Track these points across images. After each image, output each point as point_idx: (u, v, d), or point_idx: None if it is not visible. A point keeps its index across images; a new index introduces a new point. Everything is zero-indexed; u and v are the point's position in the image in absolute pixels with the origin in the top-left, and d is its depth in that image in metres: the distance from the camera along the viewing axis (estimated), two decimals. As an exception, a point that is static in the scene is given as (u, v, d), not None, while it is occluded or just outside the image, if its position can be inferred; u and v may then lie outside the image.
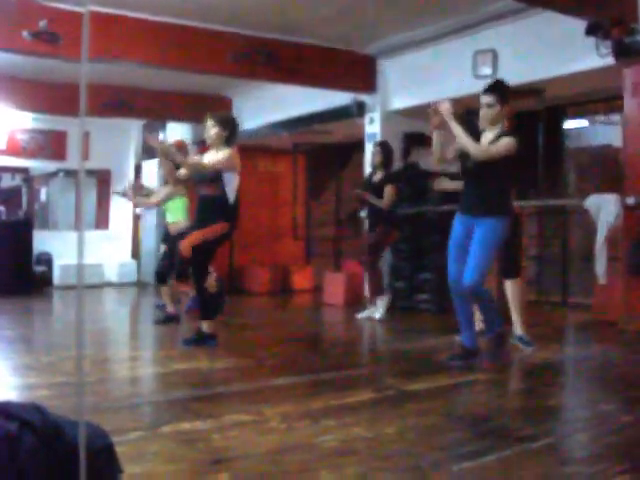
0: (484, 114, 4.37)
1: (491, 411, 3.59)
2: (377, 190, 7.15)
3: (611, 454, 2.83)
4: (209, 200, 5.15)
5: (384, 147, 7.32)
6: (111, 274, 11.78)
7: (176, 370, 4.60)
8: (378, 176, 7.25)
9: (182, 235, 6.14)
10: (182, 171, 5.56)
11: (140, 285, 11.77)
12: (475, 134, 4.43)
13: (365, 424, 3.39)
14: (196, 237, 5.09)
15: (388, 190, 7.08)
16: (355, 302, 8.34)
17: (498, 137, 4.32)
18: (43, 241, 11.03)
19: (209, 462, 2.67)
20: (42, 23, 6.12)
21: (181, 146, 7.24)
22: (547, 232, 8.40)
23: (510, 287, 5.41)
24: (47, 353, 5.20)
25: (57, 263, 11.02)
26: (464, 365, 4.47)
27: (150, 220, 11.72)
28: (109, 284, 11.50)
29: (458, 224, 4.52)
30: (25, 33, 6.15)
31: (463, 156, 4.43)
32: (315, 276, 10.67)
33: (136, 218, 12.49)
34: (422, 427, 3.19)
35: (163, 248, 7.19)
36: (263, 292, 10.26)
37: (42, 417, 1.96)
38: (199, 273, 5.19)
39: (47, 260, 11.04)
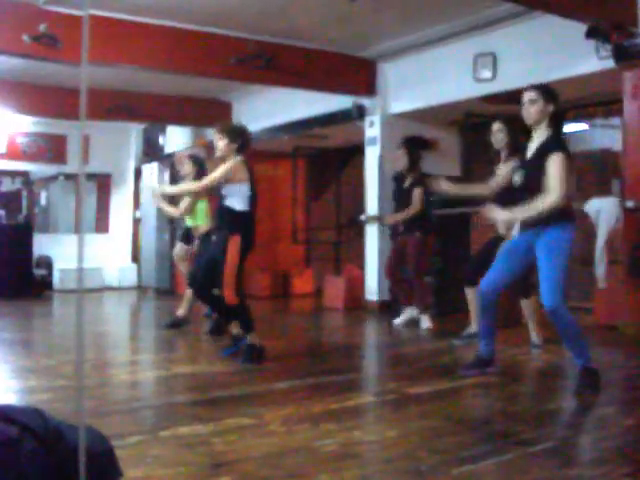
0: (526, 110, 4.06)
1: (492, 415, 3.58)
2: (406, 196, 6.84)
3: (612, 457, 2.83)
4: (217, 211, 5.05)
5: (409, 148, 6.95)
6: (111, 278, 11.78)
7: (176, 374, 4.60)
8: (408, 181, 6.87)
9: (206, 237, 6.16)
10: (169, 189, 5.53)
11: (140, 289, 11.77)
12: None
13: (365, 427, 3.39)
14: (229, 280, 4.77)
15: (418, 193, 6.75)
16: (355, 306, 8.34)
17: (543, 149, 3.99)
18: (43, 245, 11.03)
19: (209, 466, 2.67)
20: (42, 27, 6.12)
21: (206, 144, 7.15)
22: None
23: (527, 305, 5.57)
24: (47, 356, 5.20)
25: (57, 267, 11.02)
26: (478, 374, 4.37)
27: (150, 224, 11.73)
28: (109, 288, 11.49)
29: (518, 239, 4.25)
30: (25, 36, 6.15)
31: (515, 171, 4.16)
32: (315, 280, 10.67)
33: (136, 222, 12.49)
34: (423, 430, 3.18)
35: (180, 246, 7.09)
36: (263, 296, 10.24)
37: (42, 421, 1.95)
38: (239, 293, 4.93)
39: (47, 264, 11.04)
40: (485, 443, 2.97)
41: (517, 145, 4.85)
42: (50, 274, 11.01)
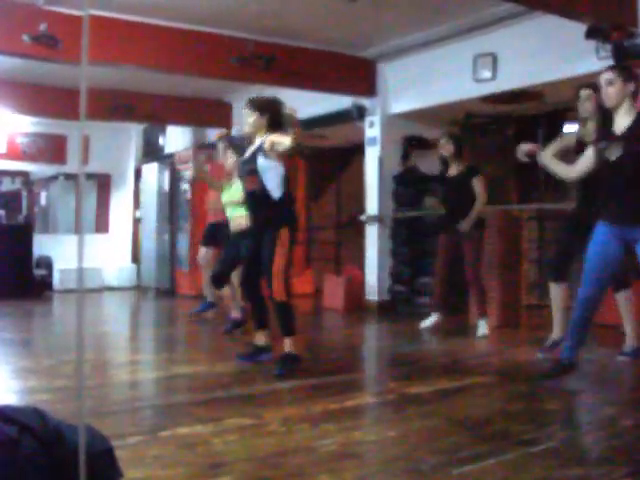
0: (605, 93, 3.87)
1: (492, 414, 3.58)
2: (457, 186, 6.34)
3: (613, 457, 2.82)
4: (255, 197, 4.51)
5: (453, 137, 6.51)
6: (111, 278, 11.77)
7: (176, 374, 4.60)
8: (454, 170, 6.39)
9: (239, 239, 5.77)
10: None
11: (140, 289, 11.76)
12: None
13: (365, 428, 3.39)
14: (279, 279, 4.41)
15: (480, 183, 6.23)
16: (355, 306, 8.33)
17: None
18: (43, 245, 11.02)
19: (209, 466, 2.66)
20: (42, 26, 6.12)
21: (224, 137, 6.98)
22: (548, 236, 8.40)
23: (622, 299, 4.91)
24: (47, 357, 5.20)
25: (57, 267, 11.01)
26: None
27: (150, 224, 11.73)
28: (109, 288, 11.49)
29: (608, 236, 3.87)
30: (25, 36, 6.15)
31: (606, 147, 3.87)
32: (315, 280, 10.66)
33: (136, 222, 12.49)
34: (423, 431, 3.18)
35: (204, 251, 6.93)
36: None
37: (42, 421, 1.95)
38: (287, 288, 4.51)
39: (47, 264, 11.04)
40: (485, 443, 2.97)
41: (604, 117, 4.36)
42: (50, 274, 11.00)
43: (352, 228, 10.20)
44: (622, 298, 4.89)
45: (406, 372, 4.70)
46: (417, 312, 7.66)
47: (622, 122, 3.87)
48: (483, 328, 6.16)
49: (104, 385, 4.24)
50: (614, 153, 3.81)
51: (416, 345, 6.03)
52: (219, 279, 6.25)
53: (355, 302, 8.43)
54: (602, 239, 3.91)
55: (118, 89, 9.42)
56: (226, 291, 6.35)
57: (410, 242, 8.06)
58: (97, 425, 2.15)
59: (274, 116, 4.53)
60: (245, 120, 4.62)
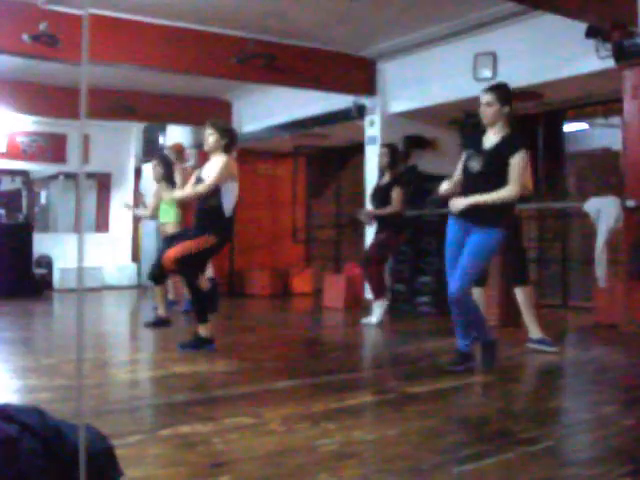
0: (482, 112, 4.33)
1: (492, 414, 3.58)
2: (384, 193, 6.98)
3: (612, 457, 2.83)
4: (204, 212, 5.11)
5: (391, 148, 7.06)
6: (111, 277, 11.78)
7: (176, 373, 4.60)
8: (385, 179, 7.05)
9: (171, 239, 6.54)
10: (177, 194, 5.78)
11: (140, 288, 11.77)
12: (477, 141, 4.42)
13: (365, 427, 3.39)
14: (177, 251, 5.04)
15: (396, 193, 6.88)
16: (355, 305, 8.34)
17: (507, 144, 4.23)
18: (43, 244, 11.03)
19: (209, 465, 2.66)
20: (42, 26, 6.12)
21: (180, 149, 7.27)
22: (547, 235, 8.41)
23: (521, 294, 5.31)
24: (47, 356, 5.20)
25: (57, 266, 11.02)
26: (464, 369, 4.43)
27: (150, 224, 11.73)
28: (109, 287, 11.49)
29: (454, 226, 4.37)
30: (25, 36, 6.16)
31: (470, 158, 4.32)
32: (315, 279, 10.67)
33: (136, 221, 12.50)
34: (423, 430, 3.18)
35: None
36: (263, 295, 10.25)
37: (42, 420, 1.95)
38: (189, 282, 5.16)
39: (47, 263, 11.05)
40: (485, 442, 2.97)
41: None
42: (50, 273, 11.02)
43: (351, 227, 10.21)
44: (521, 293, 5.31)
45: (406, 371, 4.70)
46: (417, 311, 7.67)
47: (492, 140, 4.31)
48: (375, 317, 6.88)
49: (104, 384, 4.24)
50: (476, 164, 4.26)
51: (416, 345, 6.04)
52: (155, 277, 6.80)
53: (355, 301, 8.44)
54: (449, 230, 4.40)
55: (118, 88, 9.43)
56: (158, 289, 6.86)
57: (410, 241, 8.06)
58: (97, 424, 2.15)
59: (230, 142, 5.18)
60: (205, 137, 5.17)
